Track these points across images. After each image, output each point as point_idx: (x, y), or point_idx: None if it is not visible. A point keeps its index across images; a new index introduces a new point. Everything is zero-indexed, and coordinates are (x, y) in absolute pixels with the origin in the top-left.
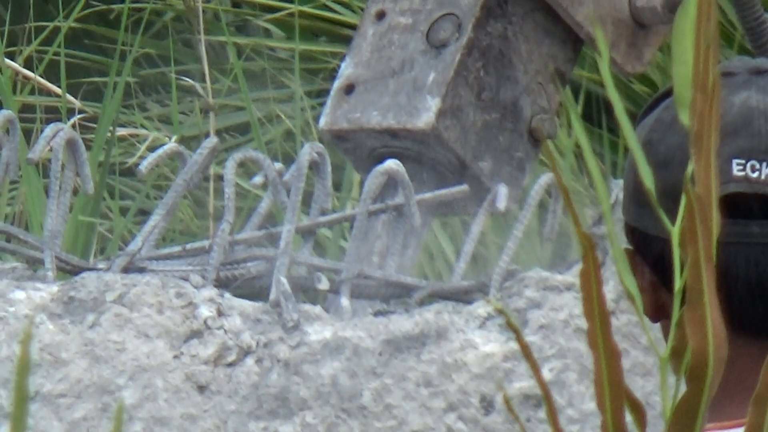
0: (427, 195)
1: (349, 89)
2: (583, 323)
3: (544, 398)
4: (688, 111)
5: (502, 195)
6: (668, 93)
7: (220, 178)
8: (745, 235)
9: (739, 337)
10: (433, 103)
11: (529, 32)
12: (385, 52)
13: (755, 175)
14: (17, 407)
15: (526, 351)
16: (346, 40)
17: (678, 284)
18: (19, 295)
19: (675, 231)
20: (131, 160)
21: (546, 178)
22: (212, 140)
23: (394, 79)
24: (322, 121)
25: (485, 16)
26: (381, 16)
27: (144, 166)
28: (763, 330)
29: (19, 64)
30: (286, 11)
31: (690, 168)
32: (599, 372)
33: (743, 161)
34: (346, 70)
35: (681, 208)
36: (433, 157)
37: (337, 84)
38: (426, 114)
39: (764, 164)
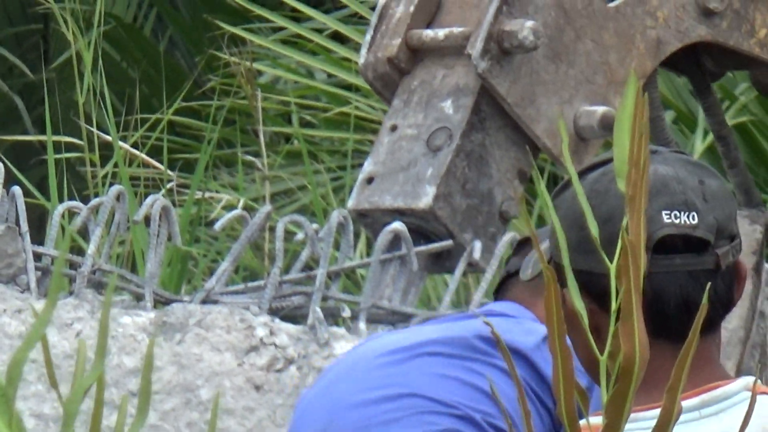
0: (423, 247)
1: (369, 180)
2: None
3: (519, 399)
4: (625, 181)
5: (477, 249)
6: (592, 168)
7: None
8: (672, 265)
9: (660, 343)
10: (431, 191)
11: (501, 141)
12: (396, 154)
13: (678, 221)
14: (141, 399)
15: (507, 359)
16: (367, 130)
17: (614, 306)
18: (126, 319)
19: (613, 267)
20: (212, 215)
21: (509, 235)
22: (267, 208)
23: (403, 173)
24: (349, 204)
25: (469, 129)
26: (394, 128)
27: (218, 226)
28: (683, 336)
29: (130, 147)
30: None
31: (625, 221)
32: (556, 369)
33: (669, 212)
34: (368, 167)
35: (617, 251)
36: (431, 229)
37: (361, 177)
38: (425, 198)
39: (682, 213)
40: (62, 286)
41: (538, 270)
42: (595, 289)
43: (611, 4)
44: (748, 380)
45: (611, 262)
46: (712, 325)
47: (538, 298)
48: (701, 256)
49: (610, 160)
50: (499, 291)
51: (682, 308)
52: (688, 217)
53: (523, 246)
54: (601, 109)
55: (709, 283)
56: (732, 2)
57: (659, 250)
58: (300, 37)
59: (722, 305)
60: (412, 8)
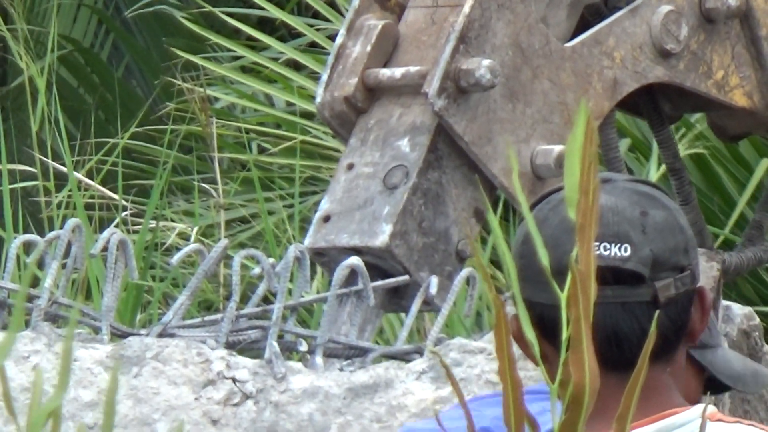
0: (379, 282)
1: (326, 219)
2: (492, 377)
3: (468, 426)
4: (575, 209)
5: (434, 284)
6: (542, 198)
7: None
8: (603, 297)
9: (604, 372)
10: (387, 229)
11: (458, 180)
12: (353, 193)
13: (606, 253)
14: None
15: (456, 389)
16: (323, 157)
17: (564, 335)
18: (83, 352)
19: (563, 297)
20: (167, 242)
21: (465, 272)
22: (224, 242)
23: (359, 211)
24: (306, 242)
25: (426, 168)
26: (351, 167)
27: (175, 260)
28: (618, 366)
29: (86, 172)
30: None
31: (575, 251)
32: (507, 398)
33: (598, 243)
34: (324, 206)
35: (568, 280)
36: (387, 268)
37: (318, 215)
38: (382, 236)
39: (612, 245)
40: (22, 322)
41: None
42: (535, 317)
43: (568, 44)
44: (704, 408)
45: (543, 290)
46: (660, 355)
47: None
48: (635, 289)
49: (557, 190)
50: None
51: (611, 340)
52: (619, 249)
53: None
54: (557, 148)
55: (655, 313)
56: (689, 43)
57: None
58: (257, 64)
59: (670, 335)
60: (368, 48)
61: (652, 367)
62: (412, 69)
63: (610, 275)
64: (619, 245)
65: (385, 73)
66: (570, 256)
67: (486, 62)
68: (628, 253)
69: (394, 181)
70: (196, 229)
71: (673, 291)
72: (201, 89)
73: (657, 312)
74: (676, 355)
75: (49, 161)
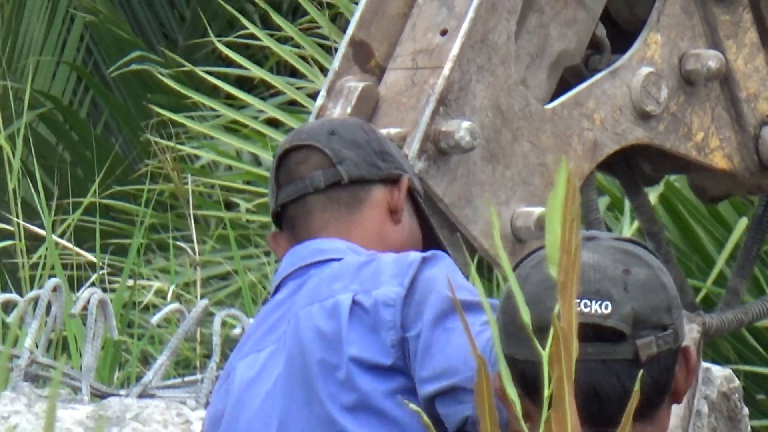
0: None
1: None
2: None
3: None
4: (557, 268)
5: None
6: (523, 260)
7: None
8: (584, 354)
9: (584, 429)
10: None
11: (438, 242)
12: None
13: (587, 309)
14: None
15: None
16: None
17: (546, 393)
18: (63, 413)
19: (545, 354)
20: (145, 300)
21: None
22: (203, 302)
23: None
24: None
25: None
26: None
27: (155, 320)
28: (599, 423)
29: (63, 231)
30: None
31: (557, 308)
32: None
33: (579, 300)
34: None
35: (550, 338)
36: None
37: None
38: None
39: (593, 301)
40: (3, 382)
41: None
42: (516, 373)
43: (548, 106)
44: None
45: (525, 347)
46: (642, 413)
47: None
48: (616, 346)
49: (540, 249)
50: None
51: (592, 397)
52: (600, 306)
53: None
54: (538, 211)
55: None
56: (669, 105)
57: None
58: (237, 122)
59: (653, 394)
60: (349, 109)
61: (633, 425)
62: (392, 131)
63: (591, 332)
64: (599, 302)
65: None
66: (552, 314)
67: (466, 124)
68: (609, 310)
69: None
70: (173, 287)
71: (654, 349)
72: (176, 147)
73: (641, 372)
74: (658, 414)
75: (24, 223)
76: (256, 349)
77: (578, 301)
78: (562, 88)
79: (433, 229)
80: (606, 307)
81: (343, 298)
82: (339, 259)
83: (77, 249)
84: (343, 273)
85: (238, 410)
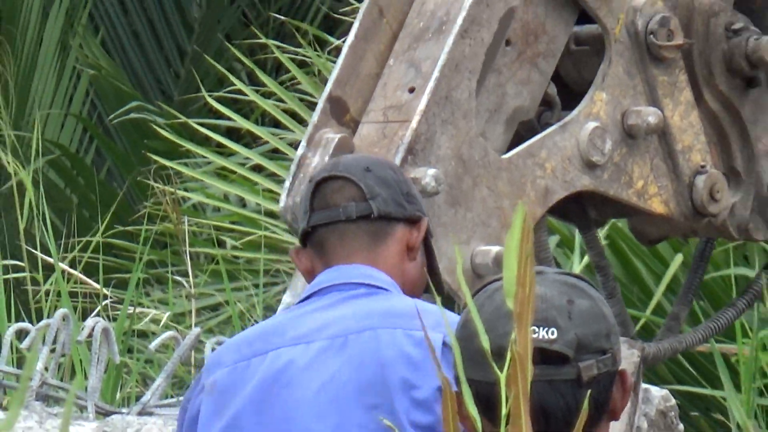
0: None
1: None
2: None
3: None
4: (513, 300)
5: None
6: (478, 291)
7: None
8: (532, 375)
9: None
10: None
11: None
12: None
13: (535, 335)
14: None
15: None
16: (283, 251)
17: (504, 411)
18: (71, 429)
19: (503, 376)
20: (142, 326)
21: None
22: (197, 330)
23: None
24: None
25: None
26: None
27: (152, 346)
28: None
29: (69, 265)
30: (251, 235)
31: (513, 335)
32: None
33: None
34: (287, 299)
35: (507, 360)
36: None
37: (280, 309)
38: None
39: (540, 328)
40: (23, 401)
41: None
42: (474, 394)
43: (505, 156)
44: None
45: (480, 369)
46: (583, 429)
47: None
48: (561, 368)
49: (493, 281)
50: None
51: (539, 415)
52: (546, 332)
53: None
54: (495, 249)
55: (579, 390)
56: (613, 156)
57: None
58: (226, 168)
59: (593, 412)
60: (326, 158)
61: None
62: None
63: (538, 355)
64: (546, 329)
65: None
66: (509, 339)
67: (431, 171)
68: (555, 335)
69: None
70: (168, 314)
71: (595, 371)
72: (173, 190)
73: (588, 391)
74: (598, 430)
75: (38, 253)
76: (305, 340)
77: None
78: (517, 140)
79: (436, 268)
80: (552, 333)
81: (434, 336)
82: (386, 290)
83: (82, 276)
84: (412, 312)
85: (281, 392)
